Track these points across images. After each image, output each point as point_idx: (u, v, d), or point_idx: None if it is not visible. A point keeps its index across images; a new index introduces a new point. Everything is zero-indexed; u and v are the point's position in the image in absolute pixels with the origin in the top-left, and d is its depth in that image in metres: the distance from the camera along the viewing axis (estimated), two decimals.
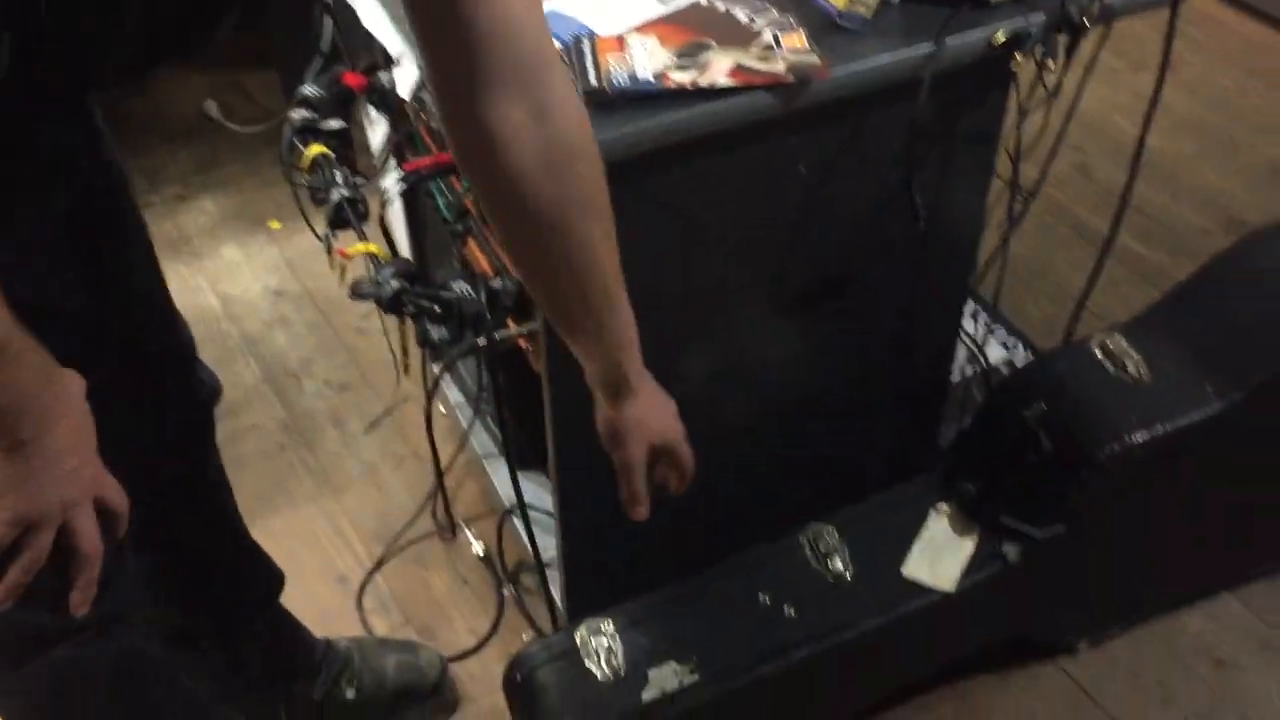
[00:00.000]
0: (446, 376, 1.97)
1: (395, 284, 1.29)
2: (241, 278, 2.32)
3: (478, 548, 1.82)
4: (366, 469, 1.97)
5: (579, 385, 1.41)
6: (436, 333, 1.28)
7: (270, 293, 2.29)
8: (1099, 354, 1.52)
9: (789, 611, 1.47)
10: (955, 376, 1.78)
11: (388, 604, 1.78)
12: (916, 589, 1.49)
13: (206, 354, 2.15)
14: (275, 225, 2.42)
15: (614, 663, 1.44)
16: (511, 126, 0.91)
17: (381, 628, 1.75)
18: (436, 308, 1.27)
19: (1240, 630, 1.71)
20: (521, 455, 1.63)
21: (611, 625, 1.48)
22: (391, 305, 1.29)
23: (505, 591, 1.78)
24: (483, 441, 1.89)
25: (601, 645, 1.45)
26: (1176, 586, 1.72)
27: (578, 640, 1.46)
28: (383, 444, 2.01)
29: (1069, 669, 1.67)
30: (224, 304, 2.27)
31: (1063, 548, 1.50)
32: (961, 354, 1.77)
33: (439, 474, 1.78)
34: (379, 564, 1.82)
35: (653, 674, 1.43)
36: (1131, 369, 1.50)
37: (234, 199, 2.52)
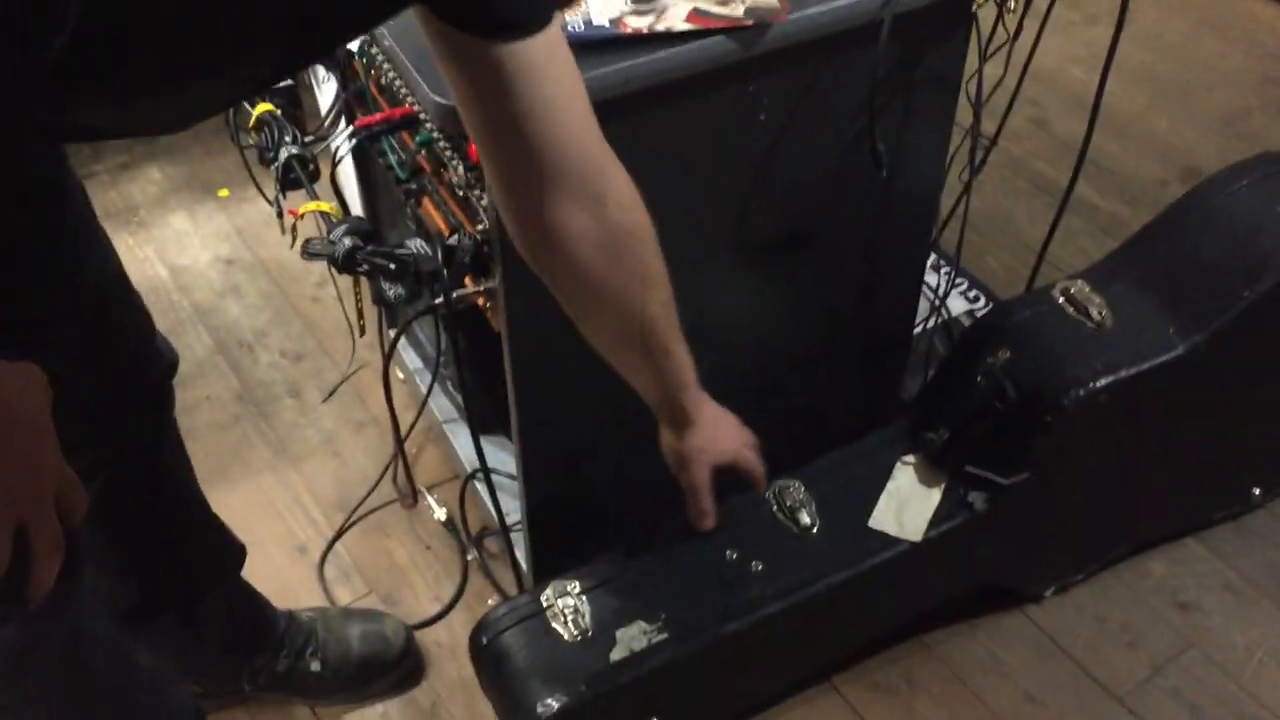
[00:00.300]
0: (404, 342, 1.94)
1: (349, 242, 1.26)
2: (191, 247, 2.27)
3: (440, 513, 1.80)
4: (325, 438, 1.94)
5: (539, 343, 1.39)
6: (392, 291, 1.25)
7: (221, 262, 2.24)
8: (1062, 300, 1.52)
9: (756, 567, 1.46)
10: (918, 329, 1.78)
11: (350, 573, 1.75)
12: (884, 541, 1.48)
13: (157, 326, 2.12)
14: (224, 193, 2.37)
15: (581, 623, 1.42)
16: (575, 225, 1.03)
17: (344, 597, 1.72)
18: (392, 265, 1.24)
19: (1204, 574, 1.72)
20: (482, 419, 1.61)
21: (578, 586, 1.46)
22: (345, 264, 1.26)
23: (469, 557, 1.76)
24: (442, 406, 1.86)
25: (568, 606, 1.43)
26: (1141, 532, 1.72)
27: (544, 602, 1.45)
28: (341, 412, 1.98)
29: (1035, 616, 1.68)
30: (174, 274, 2.22)
31: (1029, 495, 1.50)
32: (924, 307, 1.76)
33: (398, 440, 1.75)
34: (340, 533, 1.79)
35: (620, 634, 1.41)
36: (1095, 314, 1.49)
37: (181, 168, 2.46)
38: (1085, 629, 1.66)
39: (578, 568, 1.48)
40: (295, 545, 1.79)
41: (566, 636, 1.41)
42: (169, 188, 2.41)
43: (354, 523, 1.81)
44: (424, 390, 1.77)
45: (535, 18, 0.95)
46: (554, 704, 1.36)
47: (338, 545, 1.79)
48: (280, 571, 1.74)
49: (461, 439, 1.82)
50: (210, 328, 2.12)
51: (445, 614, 1.69)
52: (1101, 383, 1.43)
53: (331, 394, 1.99)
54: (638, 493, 1.51)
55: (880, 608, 1.55)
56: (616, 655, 1.40)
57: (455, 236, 1.30)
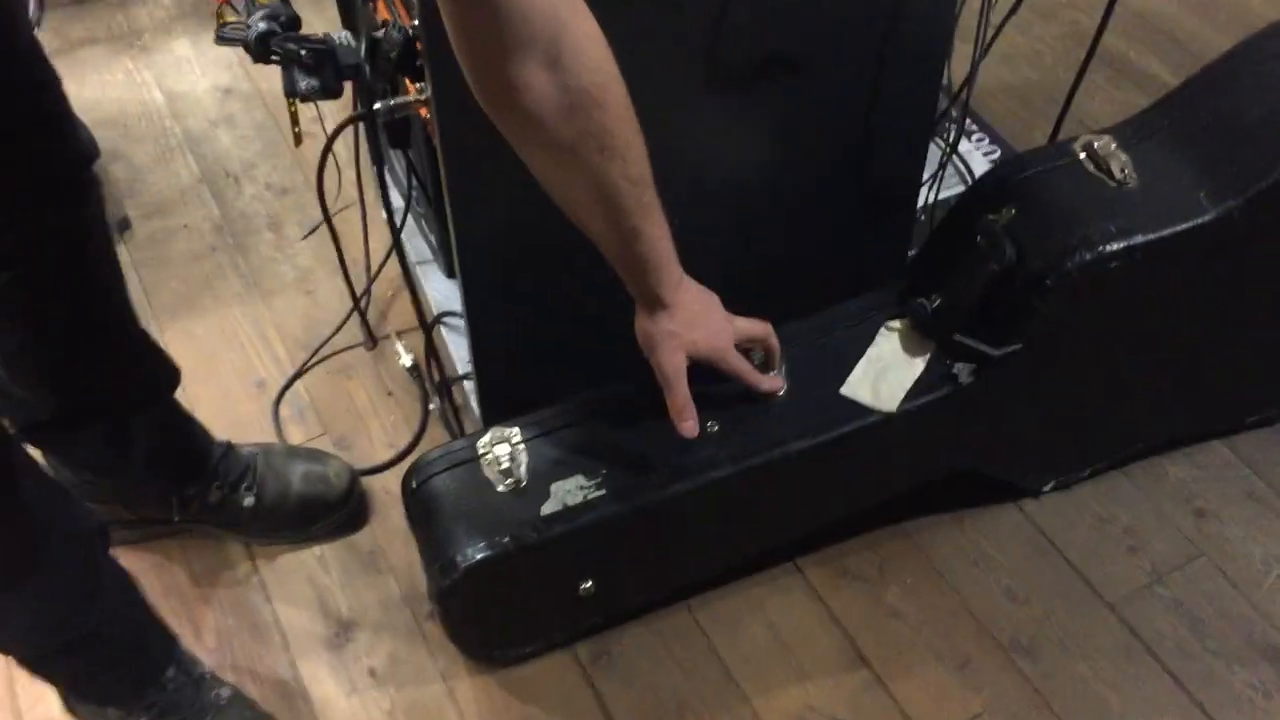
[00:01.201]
0: (389, 179, 1.83)
1: (263, 26, 1.14)
2: (190, 75, 2.18)
3: (406, 359, 1.70)
4: (300, 275, 1.85)
5: (477, 162, 1.27)
6: (305, 83, 1.13)
7: (219, 91, 2.14)
8: (1083, 156, 1.34)
9: (712, 428, 1.33)
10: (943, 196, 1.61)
11: (305, 413, 1.67)
12: (855, 410, 1.34)
13: (144, 151, 2.04)
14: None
15: (516, 473, 1.31)
16: (534, 85, 0.98)
17: (296, 436, 1.64)
18: (303, 52, 1.12)
19: (1227, 480, 1.56)
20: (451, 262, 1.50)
21: (518, 434, 1.35)
22: (258, 50, 1.15)
23: (431, 406, 1.66)
24: (418, 248, 1.76)
25: (504, 454, 1.33)
26: (1160, 430, 1.56)
27: (480, 448, 1.34)
28: (319, 251, 1.88)
29: (1030, 512, 1.53)
30: (169, 100, 2.12)
31: (1022, 371, 1.34)
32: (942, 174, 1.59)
33: (369, 278, 1.65)
34: (301, 371, 1.71)
35: (555, 487, 1.30)
36: (1117, 172, 1.31)
37: None
38: (1084, 528, 1.51)
39: (523, 415, 1.38)
40: (254, 380, 1.70)
41: (499, 485, 1.31)
42: (177, 13, 2.30)
43: (317, 362, 1.72)
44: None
45: None
46: (474, 554, 1.26)
47: (297, 384, 1.70)
48: (235, 405, 1.66)
49: (433, 281, 1.71)
50: (198, 156, 2.03)
51: (397, 461, 1.60)
52: (1114, 246, 1.26)
53: (312, 231, 1.90)
54: (597, 343, 1.39)
55: (847, 484, 1.41)
56: (548, 509, 1.29)
57: (384, 29, 1.17)
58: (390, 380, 1.71)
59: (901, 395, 1.34)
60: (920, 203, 1.64)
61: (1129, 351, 1.40)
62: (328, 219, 1.45)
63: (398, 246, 1.42)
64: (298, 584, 1.48)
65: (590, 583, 1.35)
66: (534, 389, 1.41)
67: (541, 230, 1.30)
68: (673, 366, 1.21)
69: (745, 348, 1.30)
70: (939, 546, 1.50)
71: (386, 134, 1.34)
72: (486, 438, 1.35)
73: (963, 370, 1.33)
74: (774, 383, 1.34)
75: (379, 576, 1.49)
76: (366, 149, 1.77)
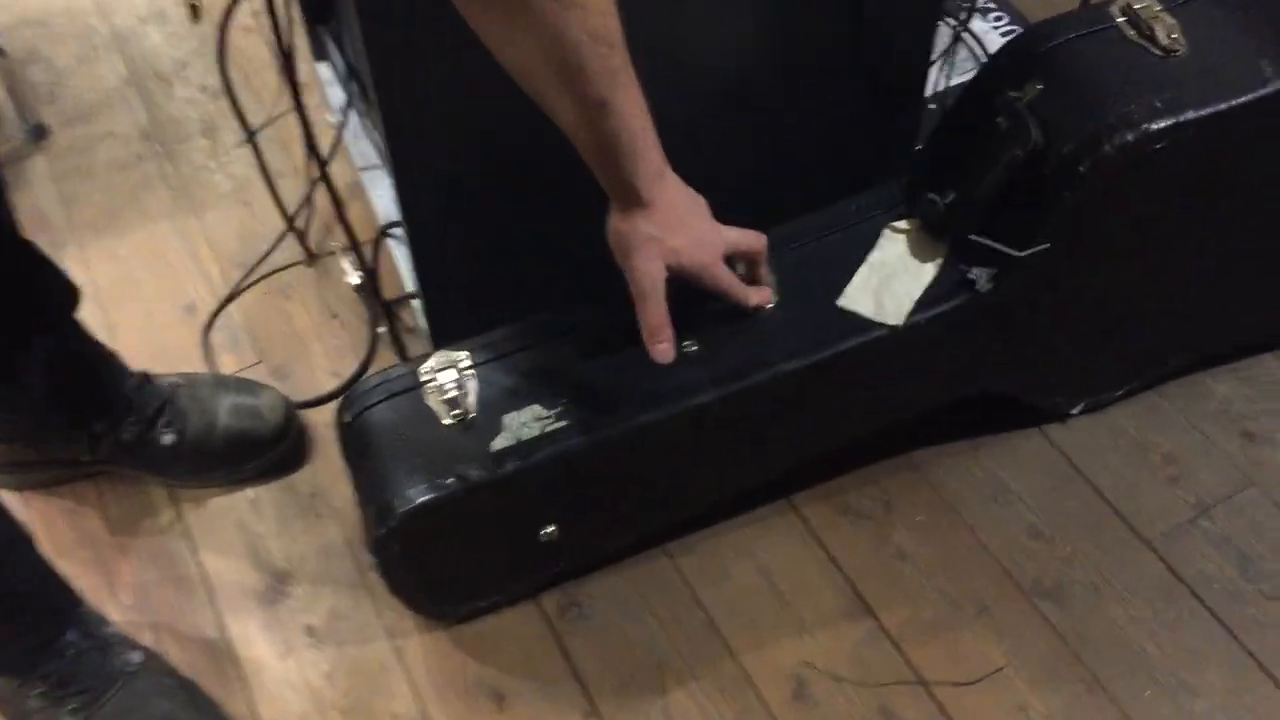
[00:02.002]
0: (332, 72, 1.63)
1: None
2: None
3: (353, 277, 1.51)
4: (236, 185, 1.65)
5: (409, 36, 1.07)
6: None
7: None
8: (1121, 20, 1.14)
9: (690, 348, 1.15)
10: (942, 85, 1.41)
11: (240, 339, 1.49)
12: (855, 324, 1.15)
13: (66, 51, 1.83)
14: None
15: (464, 403, 1.14)
16: None
17: (229, 365, 1.46)
18: None
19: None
20: None
21: (467, 359, 1.17)
22: None
23: (380, 330, 1.48)
24: (364, 152, 1.56)
25: (449, 381, 1.15)
26: (1204, 343, 1.37)
27: (422, 375, 1.16)
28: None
29: (1056, 438, 1.35)
30: None
31: (1050, 275, 1.15)
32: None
33: (311, 183, 1.46)
34: (235, 292, 1.52)
35: (508, 419, 1.13)
36: (1162, 38, 1.11)
37: None
38: (1118, 457, 1.33)
39: (474, 337, 1.20)
40: (183, 304, 1.52)
41: (444, 418, 1.14)
42: None
43: (253, 282, 1.54)
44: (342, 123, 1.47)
45: None
46: (414, 497, 1.09)
47: (230, 307, 1.52)
48: (161, 331, 1.48)
49: (380, 189, 1.52)
50: (126, 57, 1.82)
51: (341, 392, 1.42)
52: (1160, 124, 1.06)
53: (251, 136, 1.70)
54: (562, 256, 1.20)
55: (846, 410, 1.23)
56: (499, 443, 1.11)
57: None
58: (336, 301, 1.52)
59: (909, 306, 1.15)
60: (929, 90, 1.44)
61: (1173, 250, 1.21)
62: (241, 119, 1.25)
63: (309, 139, 1.23)
64: (227, 531, 1.31)
65: (552, 527, 1.18)
66: (492, 308, 1.22)
67: (491, 116, 1.12)
68: (649, 275, 1.03)
69: (730, 261, 1.12)
70: (952, 481, 1.32)
71: (300, 4, 1.15)
72: (430, 363, 1.17)
73: (980, 276, 1.14)
74: (763, 295, 1.15)
75: (319, 522, 1.32)
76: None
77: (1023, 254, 1.12)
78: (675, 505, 1.25)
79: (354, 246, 1.26)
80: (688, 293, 1.09)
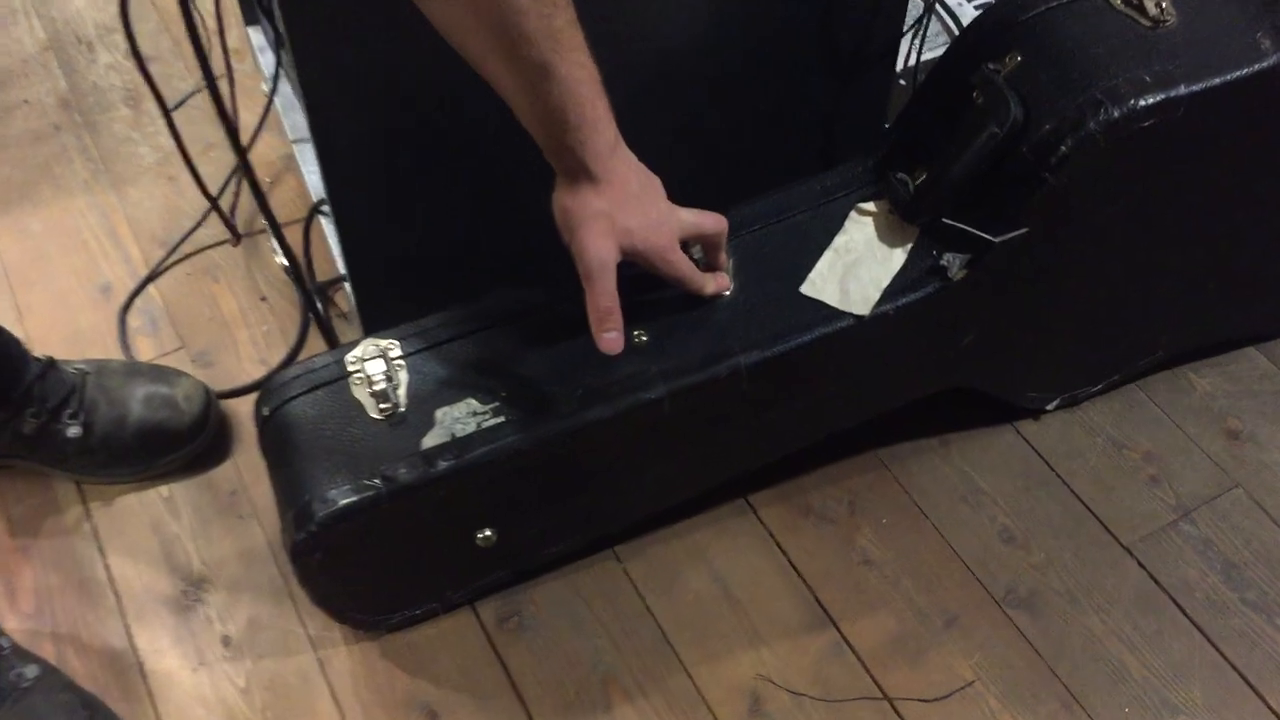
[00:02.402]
0: (264, 42, 1.53)
1: None
2: None
3: (283, 257, 1.41)
4: (161, 158, 1.54)
5: (331, 18, 0.98)
6: None
7: None
8: None
9: (640, 339, 1.06)
10: (913, 59, 1.32)
11: (160, 323, 1.38)
12: (817, 313, 1.07)
13: None
14: None
15: (393, 396, 1.04)
16: None
17: (147, 352, 1.35)
18: None
19: (1266, 395, 1.30)
20: None
21: (398, 347, 1.08)
22: None
23: (313, 313, 1.38)
24: (297, 124, 1.46)
25: (377, 372, 1.05)
26: (1187, 335, 1.29)
27: (349, 364, 1.07)
28: (187, 129, 1.55)
29: (1031, 436, 1.28)
30: None
31: (1027, 262, 1.07)
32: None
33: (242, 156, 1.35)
34: (155, 273, 1.42)
35: (442, 413, 1.04)
36: (1151, 8, 1.03)
37: None
38: (1095, 456, 1.26)
39: (407, 324, 1.10)
40: (99, 285, 1.41)
41: (371, 411, 1.04)
42: None
43: (176, 261, 1.43)
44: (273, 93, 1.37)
45: None
46: (335, 499, 0.99)
47: (150, 288, 1.41)
48: (74, 315, 1.38)
49: (312, 163, 1.41)
50: (45, 19, 1.71)
51: (267, 380, 1.32)
52: (1149, 100, 0.98)
53: (179, 105, 1.59)
54: (503, 236, 1.11)
55: (808, 406, 1.15)
56: (431, 440, 1.02)
57: None
58: (265, 283, 1.42)
59: (876, 295, 1.06)
60: (899, 64, 1.35)
61: (1159, 236, 1.13)
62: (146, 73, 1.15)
63: (220, 107, 1.13)
64: (139, 532, 1.21)
65: (490, 531, 1.08)
66: (429, 293, 1.13)
67: (424, 81, 1.03)
68: (598, 255, 0.94)
69: (685, 245, 1.03)
70: (920, 480, 1.24)
71: None
72: (357, 351, 1.08)
73: (953, 262, 1.06)
74: (720, 282, 1.06)
75: (240, 523, 1.22)
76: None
77: (998, 239, 1.03)
78: (623, 509, 1.16)
79: (273, 226, 1.16)
80: (638, 279, 1.01)
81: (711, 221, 1.03)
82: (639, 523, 1.18)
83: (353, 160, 1.09)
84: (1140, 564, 1.18)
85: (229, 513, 1.23)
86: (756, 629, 1.14)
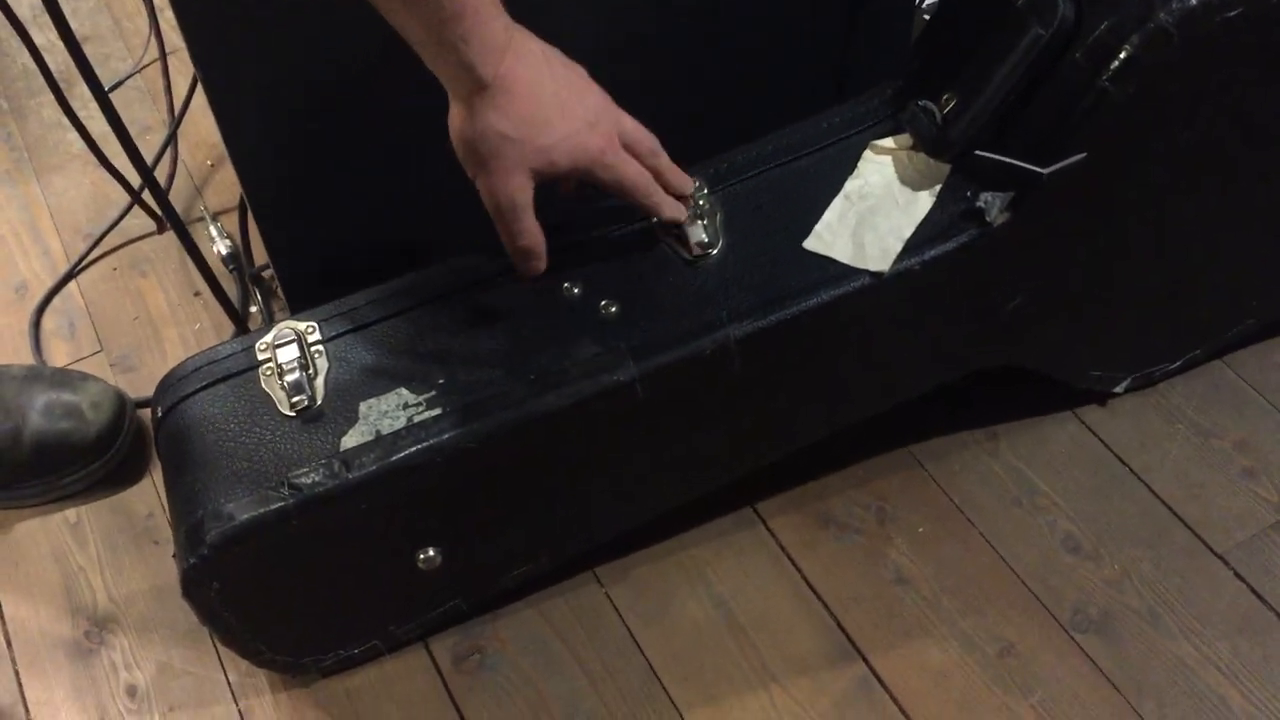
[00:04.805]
0: None
1: None
2: None
3: (222, 246, 1.24)
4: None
5: None
6: None
7: None
8: None
9: (608, 310, 0.87)
10: None
11: (78, 323, 1.21)
12: (827, 273, 0.87)
13: None
14: None
15: (308, 387, 0.85)
16: None
17: (62, 356, 1.18)
18: None
19: None
20: None
21: (316, 331, 0.89)
22: None
23: (253, 309, 1.20)
24: None
25: (290, 360, 0.87)
26: None
27: (259, 351, 0.88)
28: (122, 113, 1.40)
29: (1096, 424, 1.07)
30: None
31: (1086, 200, 0.86)
32: None
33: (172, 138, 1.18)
34: (76, 269, 1.25)
35: (366, 406, 0.85)
36: None
37: None
38: (1177, 447, 1.05)
39: (328, 304, 0.92)
40: (14, 282, 1.25)
41: (282, 407, 0.85)
42: None
43: (101, 255, 1.26)
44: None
45: None
46: (233, 514, 0.81)
47: (70, 286, 1.24)
48: None
49: None
50: None
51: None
52: None
53: (115, 87, 1.42)
54: (431, 198, 0.93)
55: (820, 390, 0.94)
56: (352, 440, 0.83)
57: None
58: (201, 277, 1.24)
59: (898, 247, 0.86)
60: None
61: (1248, 170, 0.92)
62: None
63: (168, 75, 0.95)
64: (38, 564, 1.03)
65: (432, 550, 0.89)
66: (359, 267, 0.94)
67: (330, 64, 0.86)
68: (504, 192, 0.77)
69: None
70: (963, 479, 1.03)
71: None
72: (268, 336, 0.89)
73: (992, 203, 0.85)
74: (677, 209, 0.87)
75: (156, 550, 1.04)
76: None
77: (1048, 170, 0.82)
78: (601, 521, 0.96)
79: (168, 214, 0.98)
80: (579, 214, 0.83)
81: (643, 133, 0.85)
82: (623, 538, 0.98)
83: (254, 122, 0.92)
84: (1237, 575, 0.96)
85: (144, 539, 1.04)
86: (767, 664, 0.94)
